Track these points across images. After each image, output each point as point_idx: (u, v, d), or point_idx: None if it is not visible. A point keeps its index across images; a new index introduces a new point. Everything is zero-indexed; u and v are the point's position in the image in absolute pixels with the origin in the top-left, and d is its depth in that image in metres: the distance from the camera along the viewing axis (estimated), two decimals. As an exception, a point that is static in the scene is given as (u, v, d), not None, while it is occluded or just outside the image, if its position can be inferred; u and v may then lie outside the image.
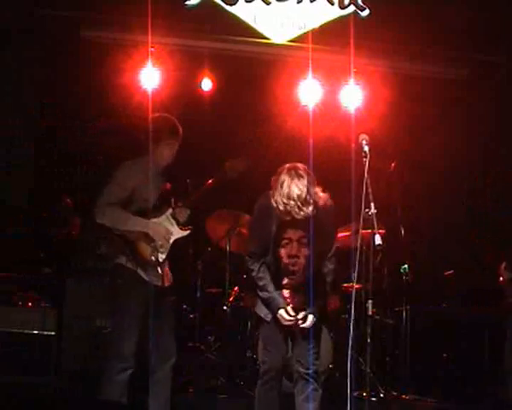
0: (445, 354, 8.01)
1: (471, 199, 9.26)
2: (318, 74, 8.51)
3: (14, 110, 8.78)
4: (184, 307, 8.15)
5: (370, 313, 5.58)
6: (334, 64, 8.68)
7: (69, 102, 9.23)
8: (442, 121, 9.00)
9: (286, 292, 5.57)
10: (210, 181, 5.97)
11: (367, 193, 5.52)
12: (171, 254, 5.83)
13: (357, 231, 5.78)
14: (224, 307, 7.83)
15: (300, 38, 8.44)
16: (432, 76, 8.97)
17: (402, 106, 8.74)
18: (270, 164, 8.67)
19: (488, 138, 9.08)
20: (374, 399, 7.18)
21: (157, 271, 5.70)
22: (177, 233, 5.80)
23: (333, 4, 8.45)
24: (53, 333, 7.46)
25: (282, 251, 5.52)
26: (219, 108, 9.06)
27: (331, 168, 7.86)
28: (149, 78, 8.30)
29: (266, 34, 8.43)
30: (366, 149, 5.63)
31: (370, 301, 5.56)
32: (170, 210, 5.77)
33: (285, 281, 5.58)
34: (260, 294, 5.63)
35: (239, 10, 8.32)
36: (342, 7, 8.45)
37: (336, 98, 8.68)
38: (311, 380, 5.54)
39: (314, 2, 8.44)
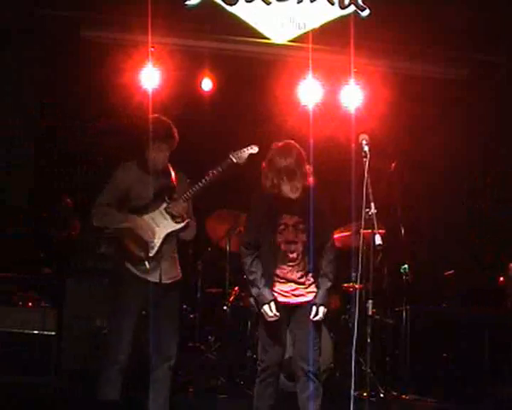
0: (444, 354, 7.99)
1: (471, 199, 9.27)
2: (318, 74, 8.52)
3: (14, 110, 8.79)
4: (184, 307, 8.13)
5: (370, 313, 5.58)
6: (334, 64, 8.70)
7: (69, 102, 9.24)
8: (442, 121, 9.01)
9: (287, 285, 5.59)
10: (213, 171, 5.91)
11: (367, 193, 5.53)
12: (168, 249, 5.78)
13: (357, 231, 5.78)
14: (224, 307, 7.83)
15: (301, 38, 8.45)
16: (432, 76, 8.98)
17: (402, 106, 8.75)
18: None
19: (488, 138, 9.09)
20: (374, 399, 7.17)
21: (146, 266, 5.66)
22: (171, 227, 5.74)
23: (333, 4, 8.46)
24: (53, 333, 7.45)
25: (279, 237, 5.56)
26: (219, 108, 9.07)
27: (331, 168, 7.87)
28: (149, 78, 8.32)
29: (266, 34, 8.44)
30: (366, 149, 5.64)
31: (370, 301, 5.56)
32: (164, 204, 5.75)
33: (285, 269, 5.59)
34: (250, 288, 5.66)
35: (239, 10, 8.33)
36: (342, 7, 8.46)
37: (336, 98, 8.69)
38: (313, 378, 5.55)
39: (314, 2, 8.45)
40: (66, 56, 8.52)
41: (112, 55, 8.37)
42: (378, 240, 5.48)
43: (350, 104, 8.52)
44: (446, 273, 8.57)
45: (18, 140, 8.90)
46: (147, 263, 5.67)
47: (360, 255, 5.53)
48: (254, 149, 5.82)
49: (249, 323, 7.71)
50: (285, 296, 5.61)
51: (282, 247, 5.56)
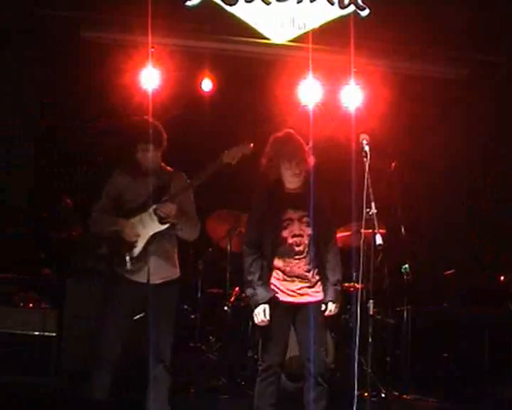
0: (445, 354, 7.99)
1: (471, 199, 9.26)
2: (318, 74, 8.53)
3: (14, 110, 8.77)
4: (185, 307, 8.13)
5: (371, 312, 5.58)
6: (334, 64, 8.70)
7: (69, 103, 9.23)
8: (442, 121, 9.00)
9: (293, 284, 5.60)
10: (206, 171, 5.91)
11: (368, 193, 5.55)
12: (159, 249, 5.79)
13: (357, 231, 5.79)
14: (225, 308, 7.82)
15: (300, 38, 8.46)
16: (432, 76, 8.97)
17: (402, 106, 8.75)
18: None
19: (488, 138, 9.08)
20: (375, 399, 7.16)
21: (127, 267, 5.70)
22: (156, 228, 5.74)
23: (333, 4, 8.46)
24: (54, 334, 7.45)
25: (285, 232, 5.60)
26: (220, 109, 9.07)
27: (331, 168, 7.86)
28: (150, 78, 8.32)
29: (266, 34, 8.45)
30: (366, 148, 5.66)
31: (371, 301, 5.57)
32: (153, 206, 5.75)
33: (291, 263, 5.61)
34: (245, 288, 5.70)
35: (239, 10, 8.33)
36: (342, 7, 8.46)
37: (336, 98, 8.70)
38: (320, 380, 5.58)
39: (314, 2, 8.46)
40: (66, 57, 8.52)
41: (112, 55, 8.37)
42: (379, 240, 5.50)
43: (350, 104, 8.52)
44: (446, 273, 8.56)
45: (18, 140, 8.89)
46: (128, 264, 5.71)
47: (361, 255, 5.55)
48: (247, 148, 5.80)
49: (250, 323, 7.68)
50: (291, 296, 5.63)
51: (289, 240, 5.60)
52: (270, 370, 5.65)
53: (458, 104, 9.11)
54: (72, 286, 7.74)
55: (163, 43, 8.33)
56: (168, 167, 6.03)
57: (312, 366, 5.58)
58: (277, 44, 8.49)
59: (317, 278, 5.66)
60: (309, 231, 5.62)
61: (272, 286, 5.65)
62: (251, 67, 8.80)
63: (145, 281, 5.70)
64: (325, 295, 5.63)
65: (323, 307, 5.62)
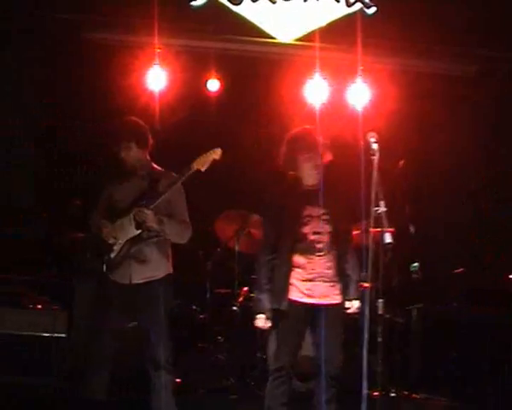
0: (455, 353, 7.95)
1: (479, 197, 9.21)
2: (325, 73, 8.49)
3: (15, 110, 8.76)
4: (194, 307, 8.13)
5: (381, 312, 5.56)
6: (340, 62, 8.67)
7: (76, 105, 9.21)
8: (450, 119, 8.95)
9: (313, 283, 5.59)
10: (174, 180, 5.86)
11: (376, 191, 5.52)
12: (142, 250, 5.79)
13: (366, 230, 5.77)
14: (234, 308, 7.83)
15: (307, 37, 8.44)
16: (439, 73, 8.94)
17: (409, 104, 8.71)
18: (277, 164, 8.77)
19: (495, 135, 9.03)
20: (385, 398, 7.14)
21: (104, 267, 5.75)
22: (131, 232, 5.75)
23: (339, 2, 8.43)
24: (63, 335, 7.45)
25: (306, 228, 5.59)
26: (226, 109, 9.06)
27: (339, 168, 7.84)
28: (156, 79, 8.32)
29: (272, 33, 8.44)
30: (375, 146, 5.63)
31: (381, 301, 5.54)
32: (134, 210, 5.75)
33: (313, 260, 5.59)
34: (254, 289, 5.70)
35: (245, 10, 8.32)
36: (348, 5, 8.44)
37: (343, 97, 8.66)
38: (334, 383, 5.60)
39: (320, 1, 8.44)
40: (70, 59, 8.50)
41: (118, 56, 8.37)
42: (387, 238, 5.46)
43: (357, 103, 8.49)
44: (456, 272, 8.52)
45: (18, 140, 8.89)
46: (104, 265, 5.75)
47: (369, 254, 5.53)
48: (217, 154, 5.80)
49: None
50: (311, 296, 5.61)
51: (310, 237, 5.58)
52: (282, 370, 5.63)
53: (466, 101, 9.06)
54: (81, 287, 7.75)
55: (169, 43, 8.34)
56: (159, 168, 6.01)
57: (328, 367, 5.59)
58: (283, 43, 8.48)
59: (337, 278, 5.66)
60: (329, 228, 5.61)
61: (293, 287, 5.62)
62: (257, 66, 8.78)
63: (127, 282, 5.75)
64: (348, 293, 5.64)
65: (347, 304, 5.61)
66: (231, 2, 8.28)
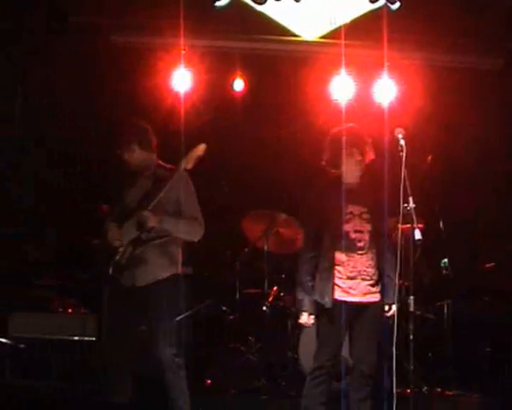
0: (488, 349, 7.88)
1: (508, 193, 9.09)
2: (351, 70, 8.44)
3: (42, 114, 8.78)
4: (224, 308, 8.12)
5: (412, 309, 5.52)
6: (366, 59, 8.61)
7: (100, 107, 9.20)
8: (478, 113, 8.84)
9: (354, 281, 5.62)
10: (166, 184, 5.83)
11: (405, 187, 5.50)
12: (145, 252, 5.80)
13: (395, 227, 5.74)
14: (264, 308, 7.80)
15: (331, 34, 8.39)
16: (466, 67, 8.85)
17: (436, 99, 8.61)
18: (304, 162, 8.74)
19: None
20: (417, 395, 7.08)
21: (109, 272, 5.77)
22: (133, 234, 5.76)
23: (363, -2, 8.38)
24: (93, 339, 7.47)
25: (347, 226, 5.64)
26: (252, 108, 9.02)
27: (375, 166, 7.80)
28: (181, 81, 8.32)
29: (297, 32, 8.40)
30: (402, 142, 5.62)
31: (412, 298, 5.51)
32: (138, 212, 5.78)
33: (354, 257, 5.63)
34: (296, 287, 5.69)
35: (268, 9, 8.29)
36: (372, 1, 8.38)
37: (369, 94, 8.61)
38: (369, 382, 5.64)
39: (344, -2, 8.38)
40: (97, 62, 8.51)
41: (142, 58, 8.38)
42: (418, 235, 5.44)
43: (383, 99, 8.44)
44: (486, 266, 8.44)
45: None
46: (111, 268, 5.76)
47: (399, 251, 5.50)
48: (200, 150, 5.76)
49: (289, 323, 7.69)
50: (353, 295, 5.64)
51: (352, 235, 5.63)
52: (321, 369, 5.66)
53: (494, 95, 8.95)
54: (109, 290, 7.76)
55: (193, 44, 8.32)
56: (167, 166, 5.99)
57: (362, 366, 5.63)
58: (308, 41, 8.43)
59: (377, 276, 5.66)
60: (369, 227, 5.67)
61: (335, 286, 5.64)
62: (282, 65, 8.74)
63: (131, 285, 5.77)
64: (388, 295, 5.65)
65: (387, 307, 5.59)
66: (255, 2, 8.25)
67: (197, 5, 8.10)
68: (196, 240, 6.00)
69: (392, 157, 5.78)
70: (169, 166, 5.95)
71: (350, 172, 5.75)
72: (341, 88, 8.45)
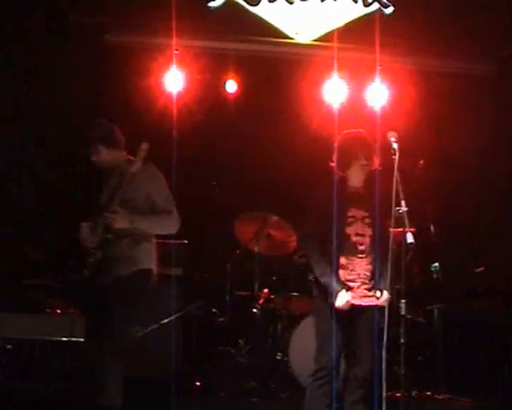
0: (477, 353, 7.88)
1: (501, 196, 9.11)
2: (343, 73, 8.46)
3: (34, 113, 8.74)
4: (214, 310, 8.10)
5: (403, 313, 5.52)
6: (359, 62, 8.63)
7: (93, 107, 9.17)
8: (470, 118, 8.86)
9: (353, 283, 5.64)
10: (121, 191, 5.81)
11: (397, 191, 5.51)
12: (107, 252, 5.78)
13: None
14: (254, 310, 7.80)
15: (325, 37, 8.39)
16: (459, 72, 8.87)
17: (429, 103, 8.64)
18: (296, 164, 8.75)
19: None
20: (407, 399, 7.08)
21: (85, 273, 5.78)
22: (98, 235, 5.76)
23: (356, 2, 8.37)
24: (82, 340, 7.42)
25: (349, 229, 5.67)
26: (244, 110, 9.01)
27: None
28: (174, 81, 8.30)
29: (290, 34, 8.39)
30: (395, 146, 5.65)
31: (403, 301, 5.51)
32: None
33: (354, 260, 5.66)
34: (320, 278, 5.64)
35: (262, 11, 8.27)
36: (366, 4, 8.37)
37: (362, 97, 8.62)
38: (363, 384, 5.64)
39: (338, 1, 8.36)
40: (90, 61, 8.47)
41: (135, 58, 8.35)
42: (410, 238, 5.46)
43: (375, 103, 8.45)
44: (476, 271, 8.45)
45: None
46: (85, 270, 5.76)
47: (390, 254, 5.52)
48: (143, 150, 5.74)
49: (279, 325, 7.68)
50: (352, 297, 5.64)
51: (353, 238, 5.66)
52: (324, 371, 5.65)
53: (486, 101, 8.97)
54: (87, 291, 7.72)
55: (186, 45, 8.30)
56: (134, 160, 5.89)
57: (358, 368, 5.65)
58: (301, 44, 8.42)
59: (373, 282, 5.69)
60: (370, 231, 5.69)
61: None
62: (275, 67, 8.74)
63: (103, 284, 5.75)
64: (379, 283, 5.66)
65: (378, 294, 5.59)
66: (248, 3, 8.22)
67: (191, 6, 8.07)
68: (171, 233, 5.97)
69: (384, 160, 5.79)
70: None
71: (355, 176, 5.79)
72: (334, 91, 8.46)
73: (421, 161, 8.11)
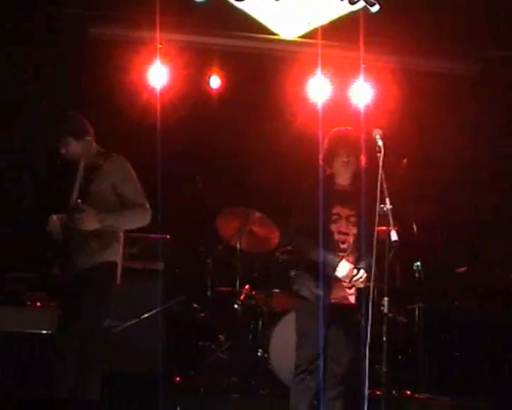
0: (457, 353, 7.91)
1: (482, 195, 9.15)
2: (328, 71, 8.46)
3: (16, 109, 8.67)
4: (195, 305, 8.07)
5: (386, 311, 5.51)
6: (343, 60, 8.64)
7: (75, 101, 9.11)
8: (454, 118, 8.89)
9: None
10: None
11: (382, 188, 5.50)
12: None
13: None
14: (235, 306, 7.77)
15: (310, 34, 8.36)
16: (443, 72, 8.89)
17: (412, 102, 8.66)
18: (279, 161, 8.74)
19: (500, 135, 8.97)
20: (387, 397, 7.08)
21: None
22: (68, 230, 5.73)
23: (342, 0, 8.36)
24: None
25: (333, 226, 5.66)
26: (228, 105, 8.99)
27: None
28: (157, 75, 8.26)
29: (275, 30, 8.36)
30: (380, 143, 5.62)
31: (386, 299, 5.50)
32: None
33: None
34: (318, 259, 5.60)
35: (248, 6, 8.23)
36: (352, 2, 8.35)
37: (346, 95, 8.63)
38: (341, 380, 5.67)
39: (324, -2, 8.36)
40: (73, 54, 8.41)
41: (119, 52, 8.30)
42: (394, 236, 5.42)
43: (359, 101, 8.46)
44: (458, 270, 8.49)
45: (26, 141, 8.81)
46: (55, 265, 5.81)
47: (374, 252, 5.49)
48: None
49: (260, 322, 7.67)
50: (329, 295, 5.64)
51: (335, 236, 5.66)
52: (302, 366, 5.66)
53: (470, 101, 9.00)
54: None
55: (171, 39, 8.27)
56: (104, 151, 5.92)
57: (337, 366, 5.67)
58: (286, 40, 8.39)
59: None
60: (354, 230, 5.69)
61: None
62: (260, 63, 8.72)
63: (70, 276, 5.73)
64: (361, 261, 5.67)
65: (354, 271, 5.58)
66: (234, -2, 8.20)
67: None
68: (145, 225, 5.89)
69: (370, 158, 5.79)
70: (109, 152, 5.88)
71: (340, 173, 5.80)
72: (318, 88, 8.47)
73: (405, 160, 8.11)
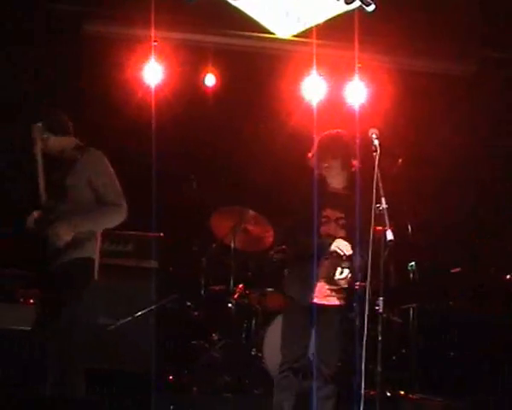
0: (451, 353, 7.91)
1: (477, 196, 9.16)
2: (323, 70, 8.45)
3: (15, 105, 8.64)
4: (188, 304, 8.05)
5: (381, 311, 5.50)
6: (338, 60, 8.64)
7: (70, 99, 9.08)
8: (449, 118, 8.90)
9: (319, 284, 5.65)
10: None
11: (377, 188, 5.48)
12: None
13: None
14: (229, 305, 7.76)
15: (305, 33, 8.34)
16: (438, 72, 8.90)
17: (407, 102, 8.66)
18: (273, 160, 8.73)
19: (495, 135, 8.99)
20: (381, 397, 7.07)
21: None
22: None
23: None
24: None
25: (322, 229, 5.64)
26: (223, 104, 8.97)
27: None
28: (152, 73, 8.24)
29: (271, 29, 8.33)
30: (376, 143, 5.60)
31: (381, 299, 5.48)
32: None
33: (321, 261, 5.62)
34: (313, 246, 5.57)
35: (243, 4, 8.21)
36: (348, 2, 8.34)
37: (341, 94, 8.62)
38: (330, 380, 5.66)
39: (319, -3, 8.34)
40: (67, 51, 8.38)
41: (114, 50, 8.28)
42: (390, 235, 5.40)
43: (354, 101, 8.45)
44: (453, 271, 8.49)
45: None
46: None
47: (370, 251, 5.49)
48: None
49: (254, 321, 7.66)
50: (316, 296, 5.65)
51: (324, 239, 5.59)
52: (286, 364, 5.68)
53: (465, 101, 9.01)
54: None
55: (166, 37, 8.25)
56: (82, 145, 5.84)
57: (324, 366, 5.66)
58: (282, 39, 8.35)
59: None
60: (342, 233, 5.67)
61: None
62: (255, 61, 8.72)
63: (47, 270, 5.66)
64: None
65: (339, 270, 5.59)
66: (229, -4, 8.18)
67: (171, -3, 8.03)
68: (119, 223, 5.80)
69: (365, 158, 5.77)
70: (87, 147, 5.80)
71: (332, 176, 5.78)
72: (313, 88, 8.46)
73: (400, 160, 8.10)
